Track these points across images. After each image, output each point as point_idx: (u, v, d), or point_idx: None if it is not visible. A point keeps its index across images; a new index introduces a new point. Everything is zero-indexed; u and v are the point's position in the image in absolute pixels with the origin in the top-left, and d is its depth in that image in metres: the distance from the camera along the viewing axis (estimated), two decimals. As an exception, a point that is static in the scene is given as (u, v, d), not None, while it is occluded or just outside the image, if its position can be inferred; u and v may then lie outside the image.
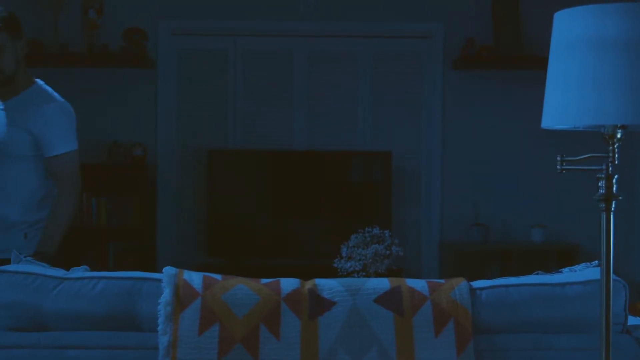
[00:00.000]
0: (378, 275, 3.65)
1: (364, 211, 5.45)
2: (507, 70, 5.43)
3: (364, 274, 3.66)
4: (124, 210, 5.55)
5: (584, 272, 2.48)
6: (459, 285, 2.37)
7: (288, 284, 2.43)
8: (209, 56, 5.70)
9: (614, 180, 1.84)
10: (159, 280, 2.43)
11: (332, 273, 3.31)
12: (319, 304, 2.34)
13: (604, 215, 1.84)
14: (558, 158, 1.92)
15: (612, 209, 1.85)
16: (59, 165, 3.27)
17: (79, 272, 2.64)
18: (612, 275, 2.36)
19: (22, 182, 3.24)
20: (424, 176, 5.72)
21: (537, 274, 2.56)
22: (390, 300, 2.35)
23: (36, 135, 3.22)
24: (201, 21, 5.69)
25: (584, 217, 5.45)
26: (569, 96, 1.83)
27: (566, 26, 1.87)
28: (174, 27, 5.70)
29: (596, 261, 2.62)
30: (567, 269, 2.65)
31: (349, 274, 3.59)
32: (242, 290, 2.37)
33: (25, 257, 2.66)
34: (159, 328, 2.34)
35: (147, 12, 5.63)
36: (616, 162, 1.84)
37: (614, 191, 1.84)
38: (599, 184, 1.85)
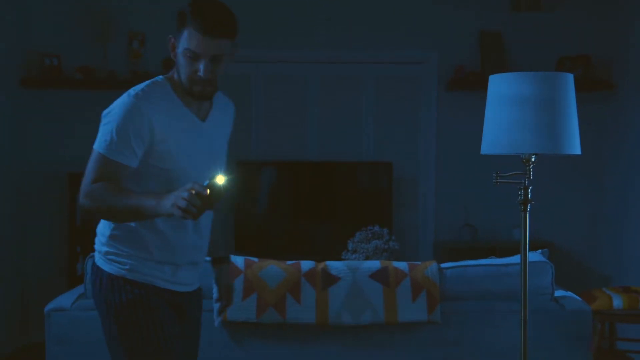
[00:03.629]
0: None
1: (368, 214, 5.72)
2: (493, 92, 6.03)
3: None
4: None
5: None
6: (431, 266, 3.16)
7: (306, 264, 3.20)
8: (234, 80, 5.82)
9: (529, 190, 2.64)
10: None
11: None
12: (328, 279, 3.12)
13: (522, 215, 2.64)
14: (494, 174, 2.71)
15: (528, 209, 2.64)
16: None
17: None
18: (540, 258, 3.13)
19: None
20: (421, 184, 6.11)
21: (491, 258, 3.34)
22: (380, 276, 3.12)
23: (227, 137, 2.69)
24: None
25: (557, 220, 5.99)
26: (499, 133, 2.62)
27: (498, 86, 2.65)
28: None
29: (540, 250, 3.39)
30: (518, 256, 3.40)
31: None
32: (273, 268, 3.15)
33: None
34: (214, 296, 3.03)
35: None
36: (531, 177, 2.64)
37: (529, 197, 2.64)
38: (519, 192, 2.65)
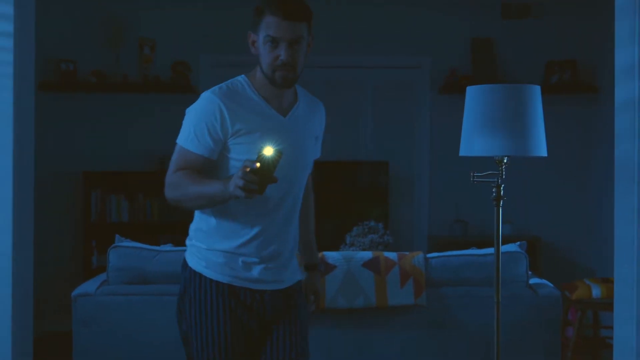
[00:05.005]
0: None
1: (366, 210, 6.02)
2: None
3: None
4: (172, 209, 5.45)
5: (504, 247, 3.57)
6: (418, 256, 3.50)
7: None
8: None
9: (501, 188, 2.98)
10: None
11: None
12: (326, 267, 3.45)
13: (495, 209, 2.98)
14: (471, 173, 3.04)
15: (500, 205, 2.98)
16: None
17: (168, 246, 3.73)
18: (517, 249, 3.46)
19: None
20: (416, 182, 6.43)
21: (472, 249, 3.68)
22: (372, 265, 3.46)
23: (318, 138, 2.66)
24: (235, 55, 5.92)
25: (543, 215, 6.32)
26: (474, 137, 2.96)
27: (474, 96, 2.98)
28: (213, 60, 6.29)
29: (518, 242, 3.72)
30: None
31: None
32: None
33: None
34: None
35: (191, 48, 6.24)
36: (503, 176, 2.97)
37: (501, 194, 2.98)
38: (493, 190, 2.99)
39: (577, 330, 4.85)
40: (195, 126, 2.33)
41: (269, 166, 2.09)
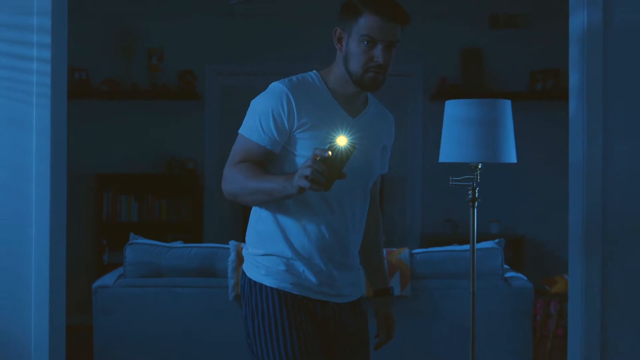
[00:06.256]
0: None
1: None
2: (473, 101, 6.66)
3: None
4: (179, 209, 6.47)
5: (481, 244, 3.93)
6: (404, 251, 3.86)
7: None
8: (244, 91, 5.80)
9: (476, 190, 3.35)
10: (227, 248, 3.83)
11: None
12: None
13: (470, 210, 3.35)
14: (450, 177, 3.41)
15: (475, 205, 3.35)
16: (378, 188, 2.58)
17: (179, 243, 4.08)
18: (494, 245, 3.82)
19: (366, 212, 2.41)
20: (409, 184, 6.73)
21: (453, 245, 4.04)
22: None
23: (386, 149, 2.58)
24: (238, 64, 6.61)
25: (529, 215, 6.63)
26: (452, 146, 3.33)
27: (452, 109, 3.34)
28: (217, 69, 6.62)
29: (497, 239, 4.08)
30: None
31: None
32: None
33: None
34: (228, 275, 3.70)
35: (197, 58, 6.57)
36: (478, 180, 3.34)
37: (476, 196, 3.35)
38: (469, 192, 3.36)
39: (557, 322, 5.22)
40: (261, 115, 2.20)
41: (341, 157, 1.90)
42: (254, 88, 6.39)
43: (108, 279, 3.92)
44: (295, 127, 2.19)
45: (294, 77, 2.26)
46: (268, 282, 2.24)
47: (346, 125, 2.21)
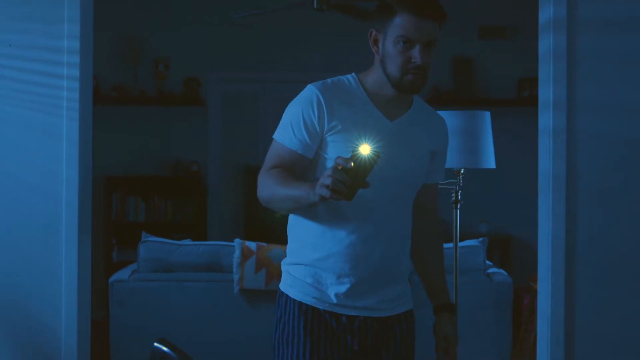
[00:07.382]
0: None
1: None
2: (463, 108, 6.65)
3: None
4: (184, 209, 6.70)
5: (465, 242, 4.26)
6: (394, 249, 4.14)
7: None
8: (245, 98, 6.74)
9: (459, 193, 3.69)
10: (233, 246, 4.11)
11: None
12: None
13: (454, 211, 3.69)
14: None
15: (459, 207, 3.69)
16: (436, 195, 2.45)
17: (187, 241, 4.38)
18: (477, 243, 4.15)
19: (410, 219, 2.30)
20: None
21: (440, 244, 4.34)
22: None
23: (437, 155, 2.35)
24: (239, 72, 6.82)
25: (517, 216, 6.89)
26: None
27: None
28: (220, 77, 6.84)
29: (481, 238, 4.41)
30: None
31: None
32: (277, 250, 4.10)
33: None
34: (234, 270, 3.99)
35: (201, 66, 6.81)
36: (460, 184, 3.68)
37: (459, 198, 3.69)
38: (452, 194, 3.70)
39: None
40: (292, 118, 2.15)
41: (364, 167, 1.82)
42: (255, 94, 6.99)
43: (123, 273, 4.24)
44: (326, 130, 2.11)
45: (328, 80, 2.19)
46: (292, 293, 2.18)
47: (381, 129, 2.12)
